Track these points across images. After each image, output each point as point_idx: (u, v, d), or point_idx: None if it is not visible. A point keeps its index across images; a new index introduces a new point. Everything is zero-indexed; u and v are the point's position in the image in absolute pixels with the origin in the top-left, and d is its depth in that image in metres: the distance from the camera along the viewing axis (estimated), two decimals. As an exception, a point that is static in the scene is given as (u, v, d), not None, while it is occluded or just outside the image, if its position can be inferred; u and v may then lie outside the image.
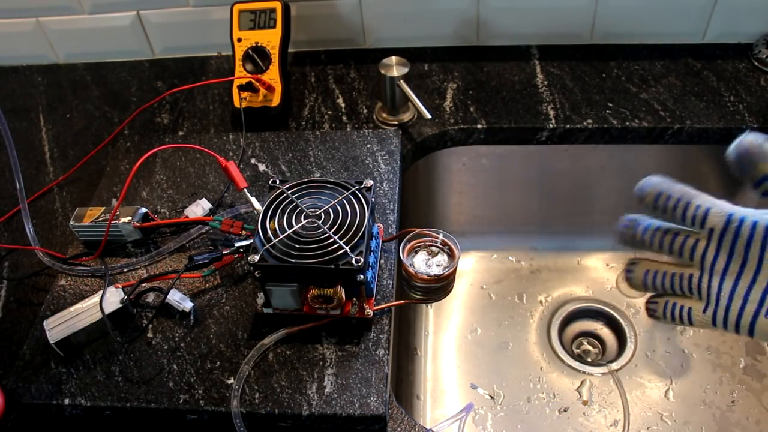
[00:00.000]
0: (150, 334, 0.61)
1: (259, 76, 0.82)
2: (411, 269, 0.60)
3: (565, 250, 0.99)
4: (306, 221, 0.56)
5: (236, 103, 0.82)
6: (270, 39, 0.83)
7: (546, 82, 0.87)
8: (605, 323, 0.92)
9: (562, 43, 0.92)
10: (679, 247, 0.40)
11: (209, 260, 0.63)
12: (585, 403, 0.83)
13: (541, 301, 0.94)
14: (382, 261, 0.65)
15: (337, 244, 0.54)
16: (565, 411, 0.83)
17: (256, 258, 0.54)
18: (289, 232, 0.55)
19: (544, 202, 0.94)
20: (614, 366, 0.86)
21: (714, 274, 0.38)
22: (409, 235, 0.62)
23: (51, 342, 0.58)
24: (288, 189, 0.59)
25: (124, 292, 0.62)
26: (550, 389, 0.85)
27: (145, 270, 0.67)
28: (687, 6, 0.86)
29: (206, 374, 0.58)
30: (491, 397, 0.85)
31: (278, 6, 0.83)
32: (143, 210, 0.69)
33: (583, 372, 0.86)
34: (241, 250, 0.63)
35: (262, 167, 0.76)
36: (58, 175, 0.83)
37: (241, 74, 0.83)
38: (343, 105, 0.87)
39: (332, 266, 0.53)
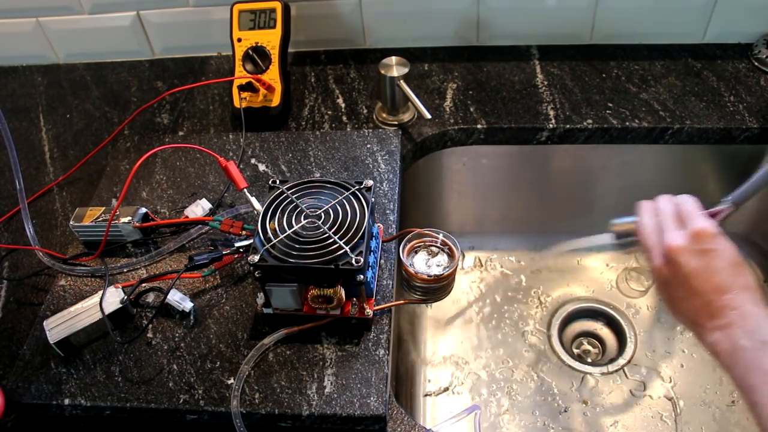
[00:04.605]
0: (150, 334, 0.61)
1: (259, 76, 0.82)
2: (411, 269, 0.60)
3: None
4: (306, 221, 0.56)
5: (236, 103, 0.82)
6: (270, 39, 0.83)
7: (546, 82, 0.87)
8: (605, 323, 0.92)
9: (562, 43, 0.92)
10: None
11: (209, 260, 0.62)
12: (585, 402, 0.83)
13: (541, 301, 0.94)
14: (382, 261, 0.65)
15: (337, 244, 0.54)
16: (565, 411, 0.83)
17: (256, 258, 0.54)
18: (289, 232, 0.55)
19: (544, 202, 0.94)
20: (614, 366, 0.86)
21: None
22: (409, 235, 0.62)
23: (51, 342, 0.58)
24: (288, 189, 0.59)
25: (124, 292, 0.62)
26: (550, 389, 0.85)
27: (145, 270, 0.67)
28: (687, 6, 0.86)
29: (206, 374, 0.58)
30: (491, 397, 0.85)
31: (278, 6, 0.83)
32: (143, 210, 0.69)
33: (583, 372, 0.86)
34: (241, 250, 0.63)
35: (262, 167, 0.76)
36: (58, 175, 0.83)
37: (241, 74, 0.83)
38: (343, 105, 0.87)
39: (332, 266, 0.53)
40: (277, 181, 0.61)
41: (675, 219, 0.52)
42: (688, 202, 0.53)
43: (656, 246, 0.52)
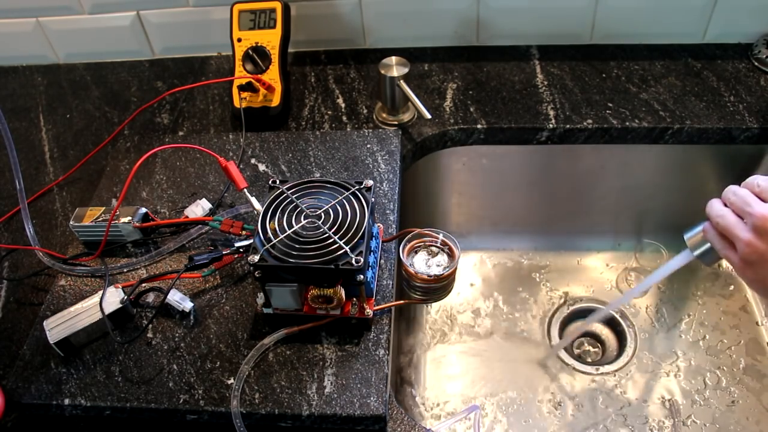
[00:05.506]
0: (150, 334, 0.61)
1: (259, 76, 0.82)
2: (411, 269, 0.60)
3: (565, 250, 0.99)
4: (306, 221, 0.56)
5: (236, 103, 0.82)
6: (270, 39, 0.83)
7: (546, 82, 0.87)
8: (605, 323, 0.92)
9: (562, 43, 0.92)
10: None
11: (209, 260, 0.63)
12: (585, 403, 0.83)
13: (541, 302, 0.94)
14: (382, 261, 0.65)
15: (337, 244, 0.54)
16: (564, 410, 0.83)
17: (256, 258, 0.54)
18: (289, 232, 0.55)
19: (544, 202, 0.94)
20: (614, 366, 0.86)
21: None
22: (409, 235, 0.62)
23: (51, 342, 0.58)
24: (288, 189, 0.59)
25: (124, 292, 0.62)
26: (550, 389, 0.85)
27: (145, 270, 0.67)
28: (687, 6, 0.86)
29: (206, 374, 0.58)
30: (491, 397, 0.85)
31: (278, 6, 0.83)
32: (143, 210, 0.69)
33: (583, 372, 0.86)
34: (241, 250, 0.63)
35: (262, 167, 0.76)
36: (58, 175, 0.83)
37: (241, 74, 0.83)
38: (343, 105, 0.87)
39: (332, 266, 0.53)
40: (277, 181, 0.61)
41: (753, 196, 0.48)
42: (763, 179, 0.49)
43: (737, 225, 0.48)
